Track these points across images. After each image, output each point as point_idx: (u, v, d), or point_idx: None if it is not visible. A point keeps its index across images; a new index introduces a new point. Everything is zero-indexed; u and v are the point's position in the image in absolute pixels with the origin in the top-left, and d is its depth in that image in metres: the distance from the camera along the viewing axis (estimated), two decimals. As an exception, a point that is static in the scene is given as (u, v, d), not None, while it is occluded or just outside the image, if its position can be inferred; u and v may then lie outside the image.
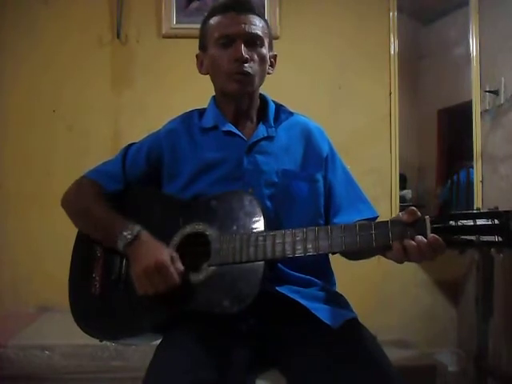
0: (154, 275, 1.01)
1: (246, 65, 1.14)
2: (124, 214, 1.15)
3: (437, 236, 0.89)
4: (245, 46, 1.14)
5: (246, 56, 1.13)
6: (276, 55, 1.25)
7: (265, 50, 1.18)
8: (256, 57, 1.16)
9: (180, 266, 1.03)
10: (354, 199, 1.23)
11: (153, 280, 1.01)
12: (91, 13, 2.36)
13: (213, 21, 1.19)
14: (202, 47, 1.23)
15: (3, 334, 1.91)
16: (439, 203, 2.53)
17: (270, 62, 1.23)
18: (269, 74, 1.23)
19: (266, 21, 1.21)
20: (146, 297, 1.04)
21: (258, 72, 1.17)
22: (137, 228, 1.08)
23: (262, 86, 1.24)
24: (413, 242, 0.90)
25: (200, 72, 1.25)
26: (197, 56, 1.25)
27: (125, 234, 1.07)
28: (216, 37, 1.16)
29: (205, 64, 1.22)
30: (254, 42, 1.16)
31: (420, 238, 0.90)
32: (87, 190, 1.21)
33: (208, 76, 1.24)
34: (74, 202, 1.23)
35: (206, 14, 1.23)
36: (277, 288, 1.07)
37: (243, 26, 1.15)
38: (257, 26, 1.16)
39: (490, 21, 2.27)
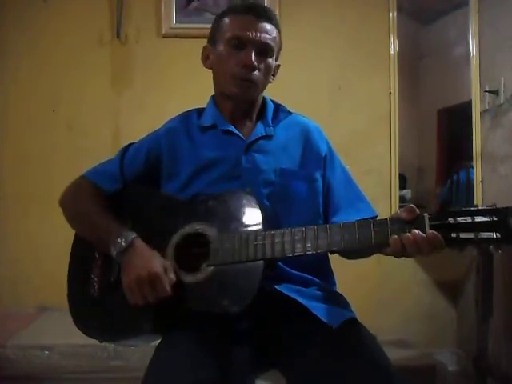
0: (145, 286, 1.01)
1: (252, 73, 1.14)
2: (123, 215, 1.16)
3: (435, 232, 0.89)
4: (255, 53, 1.14)
5: (255, 64, 1.14)
6: (279, 65, 1.26)
7: (272, 62, 1.19)
8: (263, 66, 1.17)
9: (172, 277, 1.02)
10: (352, 199, 1.23)
11: (144, 291, 1.01)
12: (91, 12, 2.36)
13: (229, 18, 1.18)
14: (212, 41, 1.22)
15: (2, 333, 1.91)
16: (439, 203, 2.53)
17: (274, 72, 1.23)
18: (269, 82, 1.23)
19: (279, 31, 1.21)
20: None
21: (262, 81, 1.18)
22: (131, 235, 1.07)
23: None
24: (410, 235, 0.91)
25: (204, 65, 1.24)
26: (204, 48, 1.25)
27: (119, 240, 1.07)
28: (229, 36, 1.16)
29: (210, 58, 1.22)
30: (265, 51, 1.16)
31: (417, 231, 0.90)
32: (85, 192, 1.21)
33: (207, 76, 1.24)
34: (72, 204, 1.23)
35: (224, 8, 1.23)
36: (276, 287, 1.07)
37: (259, 33, 1.15)
38: (271, 36, 1.17)
39: (490, 21, 2.27)
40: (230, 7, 1.21)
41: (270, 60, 1.18)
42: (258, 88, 1.18)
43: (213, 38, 1.22)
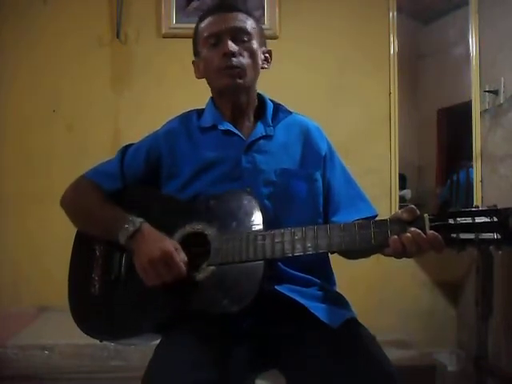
0: (159, 266, 1.01)
1: (233, 59, 1.15)
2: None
3: (436, 233, 0.89)
4: (233, 41, 1.16)
5: (233, 49, 1.15)
6: (270, 51, 1.26)
7: (254, 45, 1.19)
8: (244, 51, 1.17)
9: (184, 257, 1.03)
10: (352, 198, 1.23)
11: (159, 271, 1.01)
12: (91, 12, 2.36)
13: (202, 24, 1.21)
14: (197, 53, 1.24)
15: (2, 333, 1.91)
16: (439, 203, 2.53)
17: (265, 57, 1.24)
18: (264, 68, 1.24)
19: (255, 18, 1.23)
20: (147, 295, 1.04)
21: (249, 65, 1.17)
22: (138, 220, 1.08)
23: (262, 86, 1.25)
24: (410, 235, 0.91)
25: (198, 77, 1.26)
26: (193, 63, 1.27)
27: (126, 226, 1.07)
28: (205, 37, 1.19)
29: (200, 68, 1.24)
30: (241, 36, 1.17)
31: (417, 231, 0.90)
32: (86, 189, 1.21)
33: (207, 75, 1.24)
34: (73, 201, 1.23)
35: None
36: (276, 287, 1.06)
37: (229, 22, 1.17)
38: (243, 21, 1.18)
39: (490, 21, 2.27)
40: (201, 15, 1.24)
41: (250, 43, 1.18)
42: (246, 73, 1.17)
43: (196, 49, 1.24)
